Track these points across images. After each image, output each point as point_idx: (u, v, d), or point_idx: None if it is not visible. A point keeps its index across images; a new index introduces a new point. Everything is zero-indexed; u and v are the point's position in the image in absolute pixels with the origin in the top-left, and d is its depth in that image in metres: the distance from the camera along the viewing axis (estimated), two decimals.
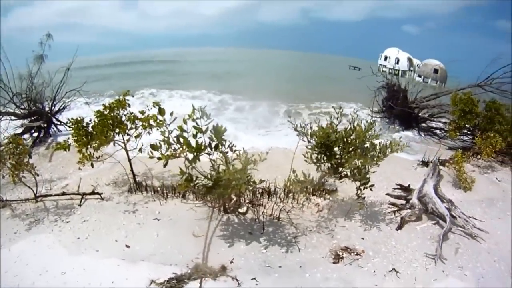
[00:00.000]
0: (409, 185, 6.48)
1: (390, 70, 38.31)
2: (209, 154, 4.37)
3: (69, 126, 10.87)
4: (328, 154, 5.15)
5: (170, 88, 19.98)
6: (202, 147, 4.22)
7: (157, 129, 5.92)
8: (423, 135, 10.89)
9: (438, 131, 10.53)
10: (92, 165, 6.06)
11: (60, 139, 10.01)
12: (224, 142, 4.40)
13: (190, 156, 4.51)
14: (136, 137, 6.22)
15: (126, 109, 6.31)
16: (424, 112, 11.16)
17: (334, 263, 4.60)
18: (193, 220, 5.59)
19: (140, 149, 6.29)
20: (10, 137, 6.24)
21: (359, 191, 5.15)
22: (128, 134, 6.31)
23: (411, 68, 38.29)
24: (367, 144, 4.95)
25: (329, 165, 5.36)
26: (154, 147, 4.25)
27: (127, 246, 4.89)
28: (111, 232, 5.29)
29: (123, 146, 6.42)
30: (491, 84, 9.40)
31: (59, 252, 4.79)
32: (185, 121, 4.36)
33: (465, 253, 4.89)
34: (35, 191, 6.24)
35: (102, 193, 6.37)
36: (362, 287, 4.20)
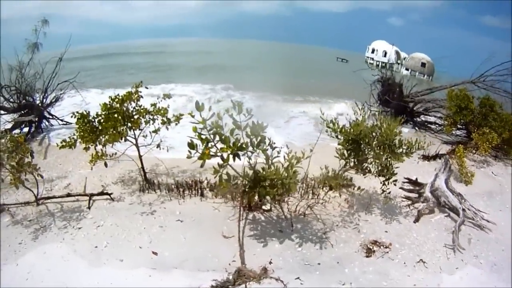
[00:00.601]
0: (416, 179, 6.85)
1: (378, 63, 39.64)
2: (252, 152, 4.07)
3: (64, 123, 10.02)
4: (357, 150, 5.22)
5: (166, 82, 18.69)
6: (244, 146, 4.02)
7: (176, 124, 5.71)
8: (418, 129, 11.20)
9: (432, 126, 11.31)
10: (105, 165, 5.59)
11: (54, 134, 9.45)
12: (264, 140, 4.17)
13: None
14: (154, 132, 5.75)
15: (135, 102, 5.75)
16: (419, 107, 11.62)
17: (367, 256, 4.68)
18: (218, 219, 5.35)
19: (158, 145, 5.90)
20: (6, 134, 5.46)
21: (384, 186, 5.29)
22: (140, 129, 5.85)
23: (399, 61, 38.91)
24: (395, 141, 5.11)
25: (355, 160, 5.49)
26: (191, 145, 3.92)
27: (155, 253, 4.48)
28: (132, 237, 4.84)
29: (134, 143, 5.95)
30: (484, 81, 9.98)
31: (77, 265, 4.25)
32: (220, 117, 3.99)
33: (477, 243, 5.18)
34: (35, 193, 5.59)
35: (111, 193, 5.86)
36: (397, 278, 4.27)
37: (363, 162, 5.43)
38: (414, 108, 11.56)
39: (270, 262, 4.41)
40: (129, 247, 4.63)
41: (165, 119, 5.73)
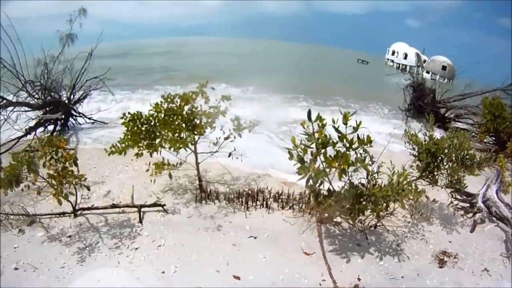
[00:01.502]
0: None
1: (398, 65, 41.84)
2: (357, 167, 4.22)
3: (92, 121, 10.44)
4: (432, 162, 5.64)
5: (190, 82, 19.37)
6: (352, 161, 4.10)
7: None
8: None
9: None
10: (170, 176, 5.42)
11: (82, 133, 9.73)
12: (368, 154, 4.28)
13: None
14: (226, 139, 5.69)
15: (192, 103, 5.60)
16: (451, 113, 12.72)
17: (440, 267, 5.17)
18: (293, 234, 5.39)
19: (230, 154, 5.84)
20: (44, 137, 4.99)
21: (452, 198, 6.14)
22: (201, 135, 5.70)
23: (419, 64, 41.39)
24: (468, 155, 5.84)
25: (427, 172, 6.12)
26: (301, 160, 4.03)
27: (237, 278, 4.36)
28: (205, 259, 4.62)
29: (192, 149, 5.87)
30: None
31: None
32: (323, 125, 4.04)
33: None
34: (73, 202, 5.31)
35: (164, 204, 5.77)
36: (471, 287, 4.83)
37: (433, 173, 6.07)
38: (446, 115, 12.58)
39: (359, 279, 4.64)
40: (204, 271, 4.41)
41: (236, 125, 5.67)
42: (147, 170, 5.44)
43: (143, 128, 5.42)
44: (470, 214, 6.85)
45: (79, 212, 5.47)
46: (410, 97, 13.07)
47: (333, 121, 4.14)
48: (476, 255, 5.79)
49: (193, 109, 5.59)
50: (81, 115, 10.51)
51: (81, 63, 9.99)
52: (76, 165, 5.11)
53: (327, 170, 4.25)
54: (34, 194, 5.33)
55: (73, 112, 10.27)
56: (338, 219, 5.88)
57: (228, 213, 5.82)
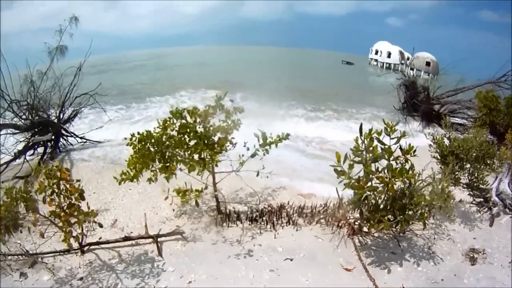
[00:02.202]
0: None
1: (382, 64, 44.93)
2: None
3: (84, 141, 10.40)
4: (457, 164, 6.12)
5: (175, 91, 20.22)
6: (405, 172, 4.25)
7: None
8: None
9: (459, 127, 13.66)
10: (197, 204, 5.30)
11: (75, 154, 9.63)
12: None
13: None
14: (252, 156, 5.55)
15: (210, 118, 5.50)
16: (445, 109, 13.72)
17: (472, 265, 5.62)
18: (327, 250, 5.49)
19: (258, 173, 5.73)
20: (42, 166, 4.66)
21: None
22: (220, 153, 5.52)
23: (403, 61, 44.74)
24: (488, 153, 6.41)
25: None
26: (342, 173, 4.31)
27: None
28: None
29: (209, 169, 5.65)
30: (505, 81, 12.38)
31: None
32: (372, 139, 4.26)
33: None
34: (79, 236, 4.85)
35: (183, 232, 5.61)
36: (503, 279, 5.30)
37: (455, 173, 6.56)
38: (440, 111, 13.53)
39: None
40: None
41: (264, 140, 5.52)
42: (166, 198, 5.35)
43: (154, 149, 5.31)
44: (486, 209, 7.64)
45: (86, 248, 5.18)
46: (404, 96, 14.15)
47: (378, 133, 4.41)
48: (501, 248, 6.33)
49: (207, 125, 5.58)
50: (72, 134, 10.29)
51: (68, 79, 9.61)
52: (84, 199, 4.85)
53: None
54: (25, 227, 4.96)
55: (63, 132, 10.08)
56: (365, 229, 6.25)
57: (254, 235, 5.72)
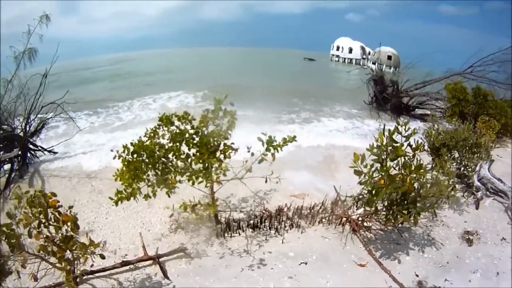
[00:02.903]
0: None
1: (344, 60, 46.80)
2: None
3: (53, 153, 9.61)
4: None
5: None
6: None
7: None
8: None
9: (428, 117, 14.64)
10: (217, 220, 5.29)
11: (44, 169, 9.07)
12: None
13: None
14: (260, 162, 5.28)
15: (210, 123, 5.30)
16: (413, 101, 14.67)
17: (469, 245, 6.18)
18: (338, 249, 5.64)
19: (266, 180, 5.45)
20: (22, 194, 4.09)
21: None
22: (219, 160, 5.34)
23: (364, 56, 46.75)
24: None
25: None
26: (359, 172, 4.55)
27: None
28: None
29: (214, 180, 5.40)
30: (471, 72, 13.59)
31: None
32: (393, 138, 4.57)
33: None
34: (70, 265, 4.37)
35: (186, 248, 5.38)
36: (499, 256, 5.91)
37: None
38: (409, 103, 14.48)
39: (417, 275, 5.21)
40: None
41: (269, 144, 5.26)
42: (171, 216, 5.14)
43: (148, 161, 5.07)
44: (470, 194, 8.34)
45: (79, 279, 4.71)
46: (374, 91, 15.04)
47: (390, 132, 4.63)
48: (490, 228, 6.93)
49: (204, 131, 5.45)
50: (40, 148, 9.65)
51: (33, 87, 9.00)
52: (78, 227, 4.45)
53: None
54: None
55: (30, 146, 9.46)
56: (366, 224, 6.49)
57: (260, 243, 5.66)
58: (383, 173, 4.71)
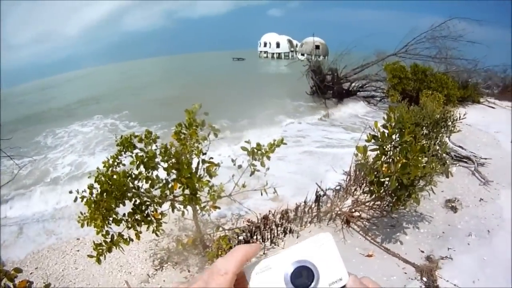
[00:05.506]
0: None
1: (272, 55, 48.63)
2: None
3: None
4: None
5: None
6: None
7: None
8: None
9: (371, 99, 16.15)
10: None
11: None
12: None
13: None
14: (252, 174, 5.10)
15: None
16: (355, 85, 16.09)
17: (455, 212, 7.06)
18: (340, 246, 5.69)
19: (262, 192, 5.31)
20: None
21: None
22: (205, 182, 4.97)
23: (292, 49, 50.34)
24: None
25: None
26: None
27: None
28: None
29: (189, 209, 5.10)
30: (406, 52, 15.59)
31: None
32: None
33: (489, 176, 8.66)
34: None
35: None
36: (484, 215, 6.94)
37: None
38: (350, 88, 15.97)
39: (422, 251, 5.77)
40: None
41: (258, 152, 5.03)
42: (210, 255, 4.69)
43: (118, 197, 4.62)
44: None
45: None
46: (314, 81, 16.20)
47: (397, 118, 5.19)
48: (466, 192, 7.97)
49: (171, 147, 5.16)
50: None
51: None
52: None
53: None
54: None
55: None
56: (356, 213, 6.87)
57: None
58: (389, 160, 5.04)
